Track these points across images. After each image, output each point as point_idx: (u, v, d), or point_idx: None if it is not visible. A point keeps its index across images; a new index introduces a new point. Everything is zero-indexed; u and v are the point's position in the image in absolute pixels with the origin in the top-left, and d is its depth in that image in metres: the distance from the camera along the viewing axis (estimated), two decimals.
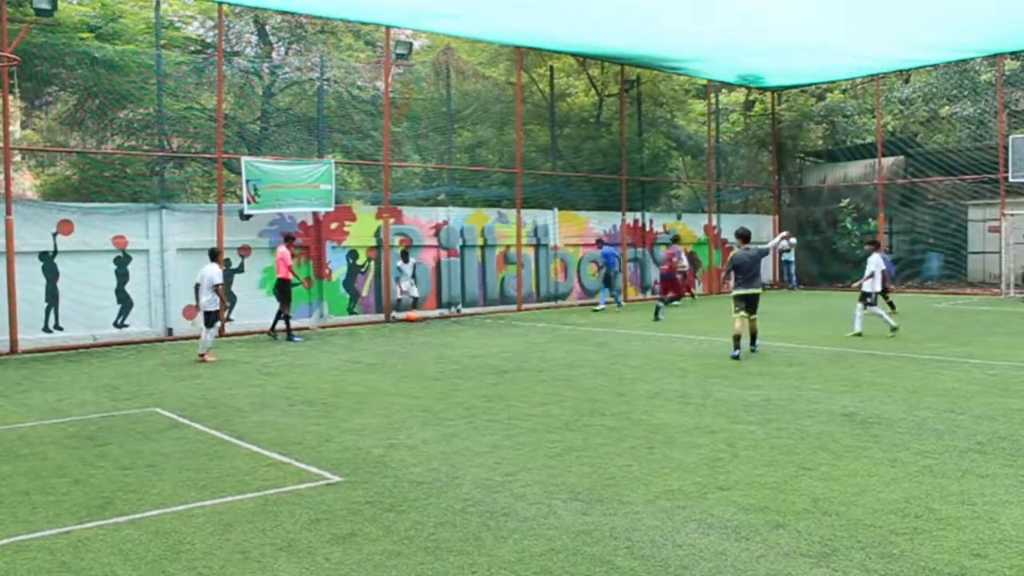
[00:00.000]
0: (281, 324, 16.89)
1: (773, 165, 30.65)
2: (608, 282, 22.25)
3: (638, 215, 25.95)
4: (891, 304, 19.95)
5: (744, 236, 13.72)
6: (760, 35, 20.66)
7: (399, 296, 19.93)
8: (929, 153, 27.64)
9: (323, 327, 18.80)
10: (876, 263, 15.73)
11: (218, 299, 13.92)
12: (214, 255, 14.35)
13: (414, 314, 19.47)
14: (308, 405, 9.93)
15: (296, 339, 16.67)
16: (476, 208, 22.46)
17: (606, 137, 26.72)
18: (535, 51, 24.55)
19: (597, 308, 22.41)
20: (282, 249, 16.81)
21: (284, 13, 23.19)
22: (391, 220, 20.30)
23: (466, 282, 21.90)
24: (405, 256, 19.86)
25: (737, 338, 12.94)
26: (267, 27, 25.02)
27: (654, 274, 26.51)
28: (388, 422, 8.91)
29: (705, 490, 6.31)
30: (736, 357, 12.79)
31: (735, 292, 13.33)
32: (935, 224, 27.39)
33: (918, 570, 4.77)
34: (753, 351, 13.41)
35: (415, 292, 19.91)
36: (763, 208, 31.40)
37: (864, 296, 15.62)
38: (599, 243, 22.44)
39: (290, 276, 16.78)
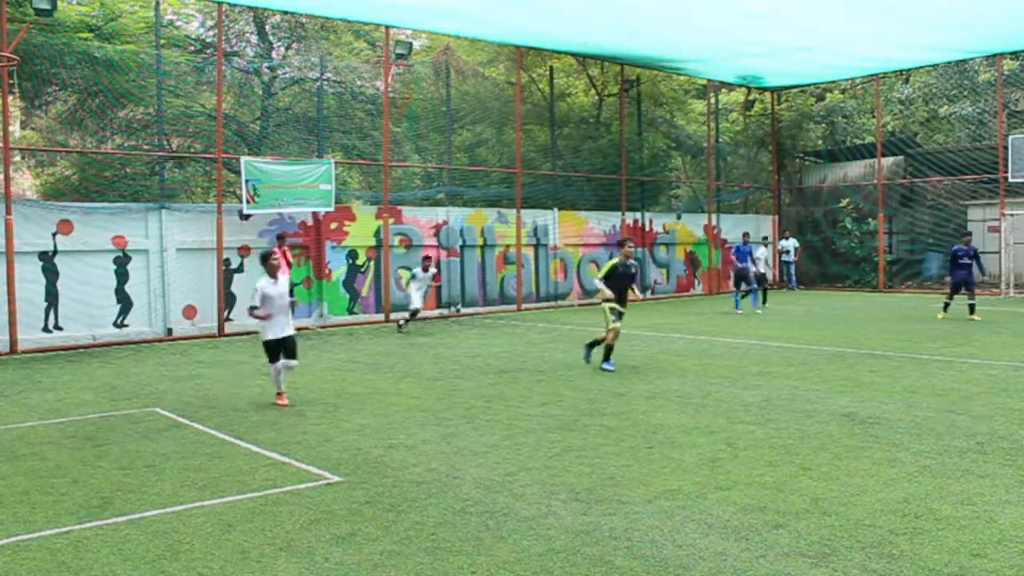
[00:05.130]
0: None
1: (773, 165, 30.65)
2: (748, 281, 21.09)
3: (638, 215, 25.96)
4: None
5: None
6: (760, 35, 20.66)
7: (416, 305, 18.02)
8: (929, 153, 27.64)
9: (323, 327, 18.80)
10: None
11: None
12: None
13: None
14: (308, 405, 9.93)
15: None
16: (476, 208, 22.45)
17: (606, 137, 26.72)
18: (535, 51, 24.55)
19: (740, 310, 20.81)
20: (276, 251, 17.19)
21: (284, 12, 23.20)
22: (391, 220, 20.30)
23: (466, 282, 21.89)
24: (427, 264, 18.12)
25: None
26: (267, 26, 25.02)
27: (653, 274, 26.53)
28: (388, 422, 8.91)
29: (704, 490, 6.31)
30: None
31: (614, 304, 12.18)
32: (935, 224, 27.39)
33: (918, 570, 4.78)
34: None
35: (418, 302, 18.01)
36: (763, 208, 31.41)
37: None
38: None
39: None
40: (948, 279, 19.08)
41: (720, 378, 11.26)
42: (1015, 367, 11.71)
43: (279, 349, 9.84)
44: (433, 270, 18.71)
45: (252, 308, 9.73)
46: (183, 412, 9.63)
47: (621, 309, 12.19)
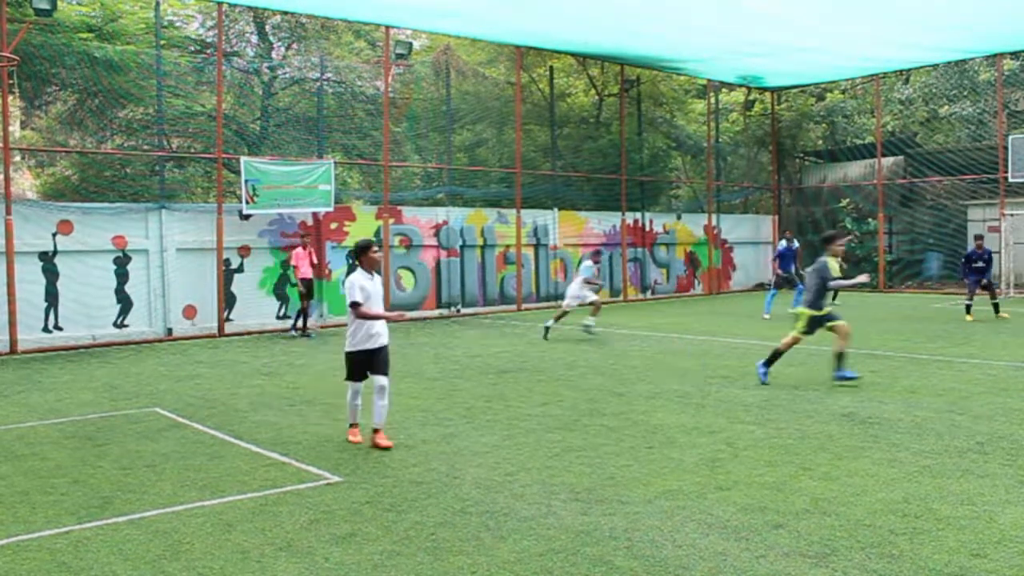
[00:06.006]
0: (306, 321, 17.56)
1: (773, 165, 30.65)
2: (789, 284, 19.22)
3: (638, 215, 25.96)
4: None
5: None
6: (760, 35, 20.66)
7: (594, 296, 16.51)
8: (929, 153, 27.64)
9: (323, 327, 18.79)
10: None
11: None
12: None
13: None
14: (308, 405, 9.93)
15: (292, 332, 17.64)
16: (476, 208, 22.46)
17: (606, 137, 26.72)
18: (535, 51, 24.56)
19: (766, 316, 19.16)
20: (302, 251, 17.37)
21: (284, 13, 23.20)
22: (391, 220, 20.30)
23: (466, 282, 21.89)
24: (597, 257, 17.00)
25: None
26: (267, 26, 25.03)
27: (654, 273, 26.52)
28: (388, 422, 8.89)
29: (705, 490, 6.30)
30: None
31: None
32: (935, 224, 27.39)
33: (918, 570, 4.77)
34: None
35: (592, 295, 16.48)
36: (763, 208, 31.41)
37: None
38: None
39: (310, 275, 17.35)
40: (967, 282, 18.43)
41: (720, 378, 11.25)
42: (1015, 367, 11.71)
43: (366, 365, 7.88)
44: (598, 264, 17.22)
45: (356, 304, 7.67)
46: (183, 412, 9.63)
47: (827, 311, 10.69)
